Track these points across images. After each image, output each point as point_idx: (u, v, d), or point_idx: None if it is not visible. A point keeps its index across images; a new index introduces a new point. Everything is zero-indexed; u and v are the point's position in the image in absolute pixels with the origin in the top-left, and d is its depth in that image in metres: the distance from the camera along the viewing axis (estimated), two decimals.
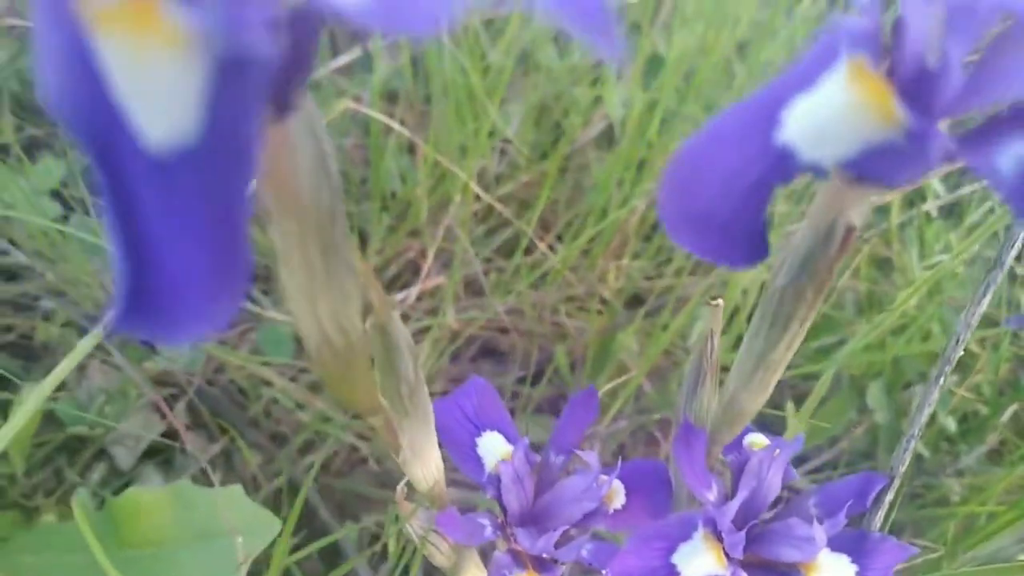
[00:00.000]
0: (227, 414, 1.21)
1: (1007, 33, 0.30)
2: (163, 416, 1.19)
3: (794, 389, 1.11)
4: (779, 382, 0.93)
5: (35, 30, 0.19)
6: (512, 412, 1.26)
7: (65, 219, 1.08)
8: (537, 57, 1.21)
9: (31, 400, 0.81)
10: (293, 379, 1.20)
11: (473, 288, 1.27)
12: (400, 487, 0.56)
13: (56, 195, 1.08)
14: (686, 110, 1.07)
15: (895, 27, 0.32)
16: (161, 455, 1.19)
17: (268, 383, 1.18)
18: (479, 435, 0.68)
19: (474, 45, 1.28)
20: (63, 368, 0.83)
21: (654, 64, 1.18)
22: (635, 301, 1.23)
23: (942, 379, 0.57)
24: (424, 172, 1.14)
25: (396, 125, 1.10)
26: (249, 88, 0.20)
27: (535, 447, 0.69)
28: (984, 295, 0.56)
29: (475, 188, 1.09)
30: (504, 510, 0.66)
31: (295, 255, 0.35)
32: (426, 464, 0.58)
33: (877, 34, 0.31)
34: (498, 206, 1.10)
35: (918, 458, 1.04)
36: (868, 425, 1.08)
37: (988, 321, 1.20)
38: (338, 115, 1.18)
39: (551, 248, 1.25)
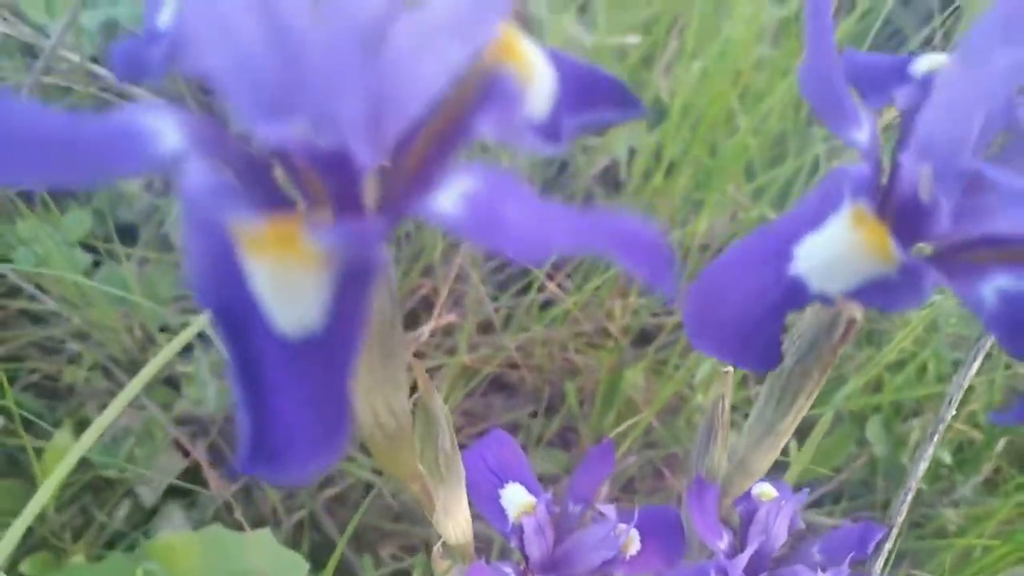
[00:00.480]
0: None
1: (985, 181, 0.34)
2: (186, 454, 1.23)
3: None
4: None
5: (188, 240, 0.24)
6: (523, 447, 1.30)
7: (96, 266, 1.12)
8: None
9: (71, 455, 0.85)
10: None
11: (484, 325, 1.31)
12: (436, 548, 0.61)
13: (86, 246, 1.12)
14: (690, 154, 1.12)
15: (891, 171, 0.36)
16: (184, 494, 1.22)
17: None
18: (502, 487, 0.72)
19: None
20: (101, 421, 0.87)
21: (658, 106, 1.23)
22: (642, 338, 1.27)
23: (936, 436, 0.62)
24: None
25: None
26: (364, 286, 0.24)
27: (545, 480, 0.73)
28: (975, 359, 0.61)
29: None
30: (526, 558, 0.70)
31: (362, 368, 0.39)
32: (457, 521, 0.63)
33: (875, 179, 0.36)
34: None
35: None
36: (868, 457, 1.12)
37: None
38: None
39: (560, 287, 1.30)
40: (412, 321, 1.36)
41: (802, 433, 1.11)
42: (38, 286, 1.19)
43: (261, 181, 0.26)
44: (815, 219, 0.35)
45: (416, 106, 0.24)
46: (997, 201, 0.35)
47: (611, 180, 1.34)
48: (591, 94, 0.30)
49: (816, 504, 1.14)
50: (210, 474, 1.20)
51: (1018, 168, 0.39)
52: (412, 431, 0.50)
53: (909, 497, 0.63)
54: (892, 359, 1.04)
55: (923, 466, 0.62)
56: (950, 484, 1.15)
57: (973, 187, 0.36)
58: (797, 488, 1.14)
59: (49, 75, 1.11)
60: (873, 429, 1.07)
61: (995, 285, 0.34)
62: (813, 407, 1.09)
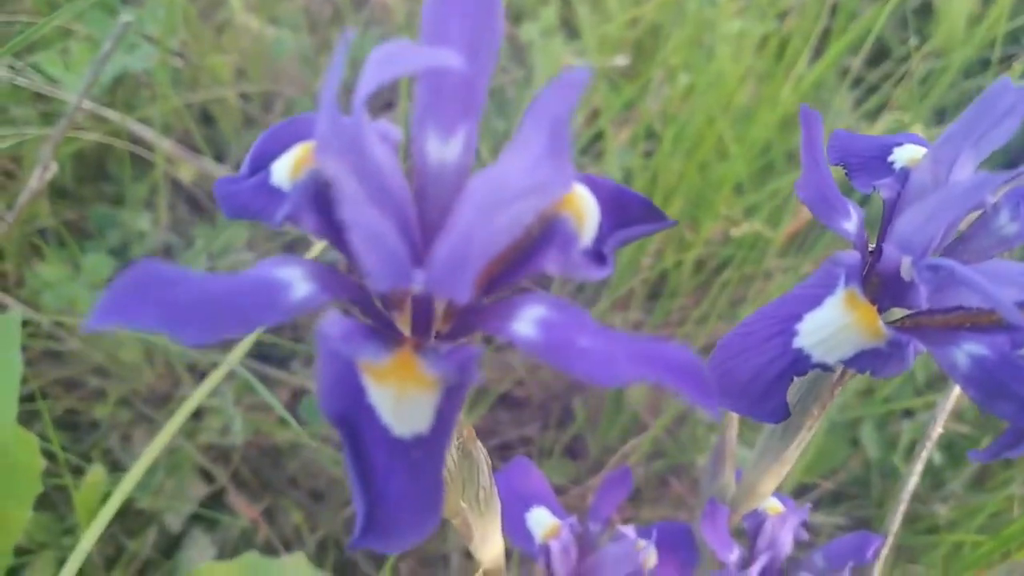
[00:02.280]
0: (267, 474, 1.30)
1: (951, 274, 0.40)
2: (209, 481, 1.28)
3: None
4: None
5: (322, 367, 0.29)
6: (529, 455, 1.36)
7: None
8: None
9: (114, 499, 0.90)
10: (324, 439, 1.29)
11: (493, 343, 1.36)
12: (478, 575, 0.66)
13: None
14: (685, 181, 1.18)
15: (876, 253, 0.42)
16: (207, 519, 1.27)
17: (304, 445, 1.27)
18: (528, 511, 0.78)
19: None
20: (142, 464, 0.92)
21: (652, 134, 1.28)
22: None
23: (924, 452, 0.68)
24: None
25: None
26: (460, 398, 0.30)
27: (555, 490, 0.79)
28: (946, 405, 0.67)
29: None
30: (552, 575, 0.76)
31: None
32: (492, 548, 0.68)
33: (863, 262, 0.41)
34: None
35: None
36: (863, 457, 1.19)
37: None
38: None
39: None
40: None
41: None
42: (59, 324, 1.23)
43: (365, 307, 0.31)
44: (814, 300, 0.41)
45: (492, 252, 0.29)
46: (960, 287, 0.41)
47: None
48: (626, 214, 0.36)
49: (815, 505, 1.20)
50: (235, 499, 1.26)
51: (982, 242, 0.45)
52: (458, 475, 0.56)
53: (901, 510, 0.69)
54: None
55: (913, 481, 0.68)
56: (940, 480, 1.22)
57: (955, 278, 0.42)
58: (797, 494, 1.21)
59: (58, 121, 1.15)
60: (866, 432, 1.13)
61: (966, 350, 0.40)
62: None
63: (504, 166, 0.28)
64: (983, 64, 1.50)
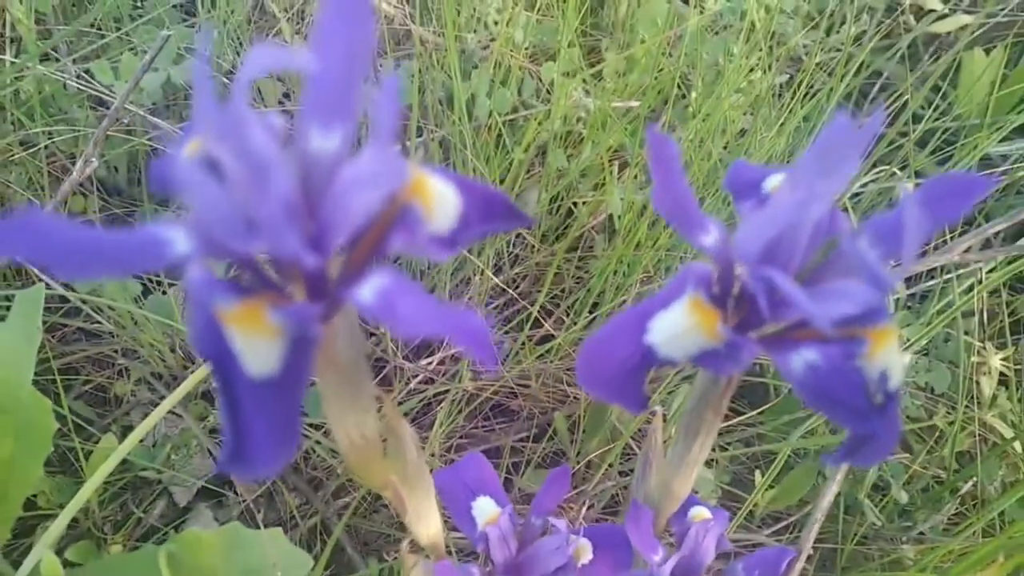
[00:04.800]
0: None
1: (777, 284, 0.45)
2: (216, 460, 1.38)
3: (767, 458, 1.25)
4: (751, 455, 1.06)
5: (191, 313, 0.37)
6: (516, 466, 1.42)
7: (145, 294, 1.28)
8: (551, 158, 1.39)
9: (114, 456, 0.99)
10: (326, 433, 1.38)
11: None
12: (404, 544, 0.73)
13: (137, 276, 1.28)
14: None
15: (722, 272, 0.48)
16: (213, 495, 1.37)
17: (306, 435, 1.36)
18: (474, 500, 0.84)
19: (498, 142, 1.46)
20: (141, 429, 1.01)
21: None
22: None
23: (838, 476, 0.72)
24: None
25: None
26: (306, 349, 0.37)
27: (532, 499, 0.85)
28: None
29: (489, 274, 1.26)
30: (491, 562, 0.81)
31: (332, 392, 0.52)
32: (427, 525, 0.75)
33: (719, 274, 0.47)
34: (511, 292, 1.27)
35: (872, 526, 1.17)
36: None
37: (949, 400, 1.33)
38: None
39: (560, 321, 1.42)
40: (423, 351, 1.49)
41: (770, 467, 1.20)
42: (94, 308, 1.35)
43: (253, 272, 0.39)
44: (665, 302, 0.47)
45: (349, 228, 0.37)
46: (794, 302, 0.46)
47: (609, 229, 1.46)
48: (489, 210, 0.43)
49: (783, 531, 1.23)
50: (236, 480, 1.35)
51: (834, 271, 0.50)
52: (382, 448, 0.63)
53: (816, 528, 0.73)
54: None
55: (827, 501, 0.72)
56: (912, 520, 1.23)
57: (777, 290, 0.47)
58: (763, 524, 1.24)
59: (115, 125, 1.28)
60: (832, 466, 1.16)
61: (803, 357, 0.46)
62: (774, 443, 1.18)
63: (356, 161, 0.36)
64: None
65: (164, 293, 1.26)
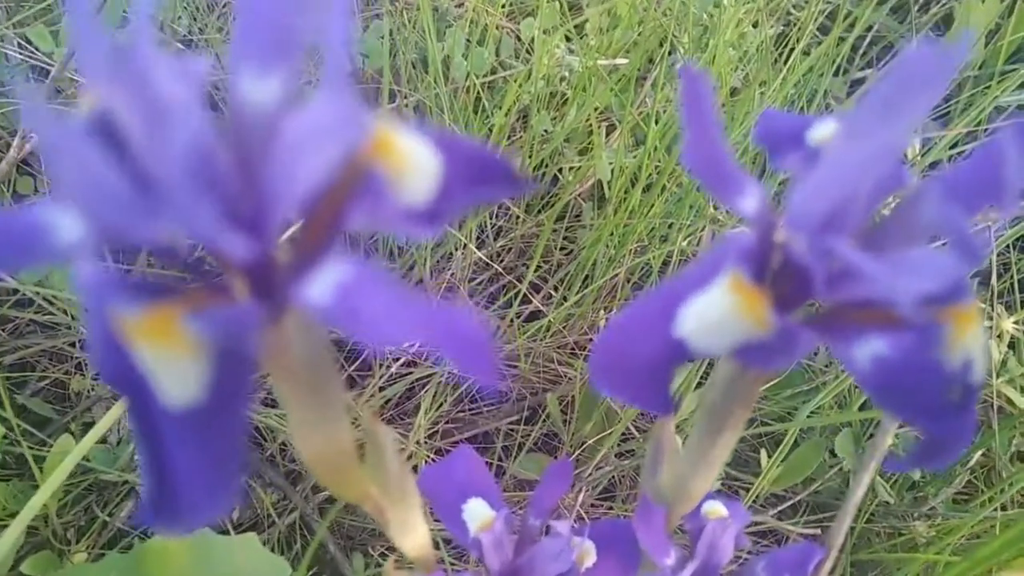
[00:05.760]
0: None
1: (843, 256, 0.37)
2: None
3: (770, 435, 1.18)
4: (758, 434, 0.99)
5: (88, 329, 0.28)
6: (507, 450, 1.34)
7: None
8: (534, 121, 1.29)
9: (69, 458, 0.90)
10: None
11: None
12: (389, 562, 0.64)
13: None
14: (667, 176, 1.15)
15: (764, 242, 0.39)
16: None
17: (282, 427, 1.27)
18: (465, 502, 0.76)
19: (476, 106, 1.36)
20: (98, 428, 0.92)
21: (640, 129, 1.25)
22: None
23: (873, 463, 0.64)
24: None
25: None
26: (240, 366, 0.28)
27: (527, 485, 0.77)
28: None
29: (472, 247, 1.17)
30: (487, 570, 0.73)
31: (293, 404, 0.43)
32: (414, 537, 0.66)
33: (762, 246, 0.39)
34: (496, 266, 1.18)
35: (883, 502, 1.11)
36: (840, 469, 1.15)
37: None
38: None
39: (549, 296, 1.33)
40: None
41: (773, 448, 1.14)
42: (47, 298, 1.24)
43: (184, 267, 0.29)
44: (699, 284, 0.38)
45: (294, 202, 0.28)
46: (864, 276, 0.38)
47: (598, 196, 1.37)
48: (478, 174, 0.34)
49: (789, 512, 1.17)
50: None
51: (901, 235, 0.42)
52: (356, 459, 0.54)
53: (846, 525, 0.66)
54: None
55: (860, 493, 0.65)
56: (923, 497, 1.17)
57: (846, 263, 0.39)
58: (771, 504, 1.17)
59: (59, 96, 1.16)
60: (841, 443, 1.09)
61: (869, 348, 0.37)
62: (781, 421, 1.12)
63: (300, 113, 0.27)
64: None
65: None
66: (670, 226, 1.20)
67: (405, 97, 1.37)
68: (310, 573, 1.20)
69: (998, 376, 1.27)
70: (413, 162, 0.31)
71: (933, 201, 0.40)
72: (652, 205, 1.19)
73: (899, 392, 0.37)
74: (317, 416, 0.45)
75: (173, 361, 0.26)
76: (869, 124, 0.37)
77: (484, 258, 1.23)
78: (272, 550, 1.26)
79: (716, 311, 0.37)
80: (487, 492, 0.77)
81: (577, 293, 1.22)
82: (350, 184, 0.29)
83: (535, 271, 1.30)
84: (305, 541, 1.28)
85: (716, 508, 0.75)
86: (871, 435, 1.14)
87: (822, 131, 0.44)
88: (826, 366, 1.18)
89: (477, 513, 0.75)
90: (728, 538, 0.69)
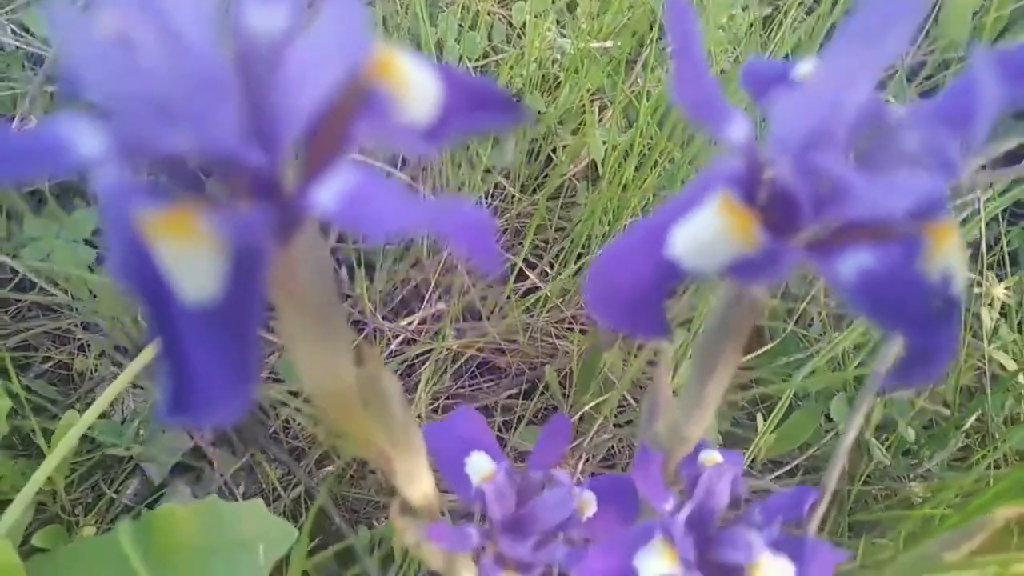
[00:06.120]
0: (249, 431, 1.32)
1: (828, 173, 0.39)
2: (191, 435, 1.30)
3: (766, 403, 1.20)
4: (751, 398, 1.01)
5: (106, 229, 0.29)
6: (507, 424, 1.36)
7: (99, 262, 1.19)
8: (527, 101, 1.31)
9: (74, 430, 0.92)
10: (306, 400, 1.31)
11: (472, 312, 1.37)
12: (394, 505, 0.66)
13: (90, 242, 1.19)
14: (659, 152, 1.17)
15: (752, 169, 0.41)
16: (189, 470, 1.29)
17: (285, 404, 1.28)
18: (467, 455, 0.78)
19: None
20: (102, 401, 0.93)
21: (632, 108, 1.27)
22: None
23: (858, 416, 0.67)
24: None
25: (395, 171, 1.20)
26: (253, 266, 0.30)
27: (527, 457, 0.78)
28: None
29: None
30: (489, 520, 0.75)
31: (298, 332, 0.45)
32: (419, 486, 0.68)
33: (744, 173, 0.41)
34: None
35: (880, 464, 1.13)
36: (835, 432, 1.17)
37: None
38: None
39: (544, 274, 1.35)
40: (403, 310, 1.42)
41: (769, 412, 1.16)
42: (49, 280, 1.26)
43: (183, 179, 0.31)
44: (689, 206, 0.40)
45: (301, 117, 0.29)
46: (850, 193, 0.40)
47: (592, 176, 1.39)
48: (475, 100, 0.36)
49: (787, 475, 1.19)
50: (212, 453, 1.27)
51: (882, 162, 0.44)
52: (357, 396, 0.55)
53: (839, 466, 0.68)
54: (855, 339, 1.08)
55: (852, 435, 0.67)
56: (918, 459, 1.19)
57: (832, 178, 0.41)
58: (768, 468, 1.19)
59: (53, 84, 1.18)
60: (836, 407, 1.11)
61: (854, 262, 0.39)
62: (776, 385, 1.14)
63: (305, 34, 0.28)
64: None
65: None
66: (663, 200, 1.22)
67: None
68: (316, 543, 1.22)
69: (990, 342, 1.29)
70: (415, 82, 0.33)
71: (912, 126, 0.42)
72: (645, 180, 1.21)
73: (885, 303, 0.39)
74: (324, 348, 0.47)
75: (192, 258, 0.28)
76: (851, 43, 0.39)
77: None
78: None
79: (707, 231, 0.39)
80: (489, 446, 0.79)
81: (572, 268, 1.24)
82: (355, 101, 0.31)
83: (531, 248, 1.32)
84: (310, 513, 1.29)
85: (712, 456, 0.77)
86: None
87: (805, 68, 0.46)
88: (820, 335, 1.20)
89: (480, 465, 0.77)
90: (724, 484, 0.71)
